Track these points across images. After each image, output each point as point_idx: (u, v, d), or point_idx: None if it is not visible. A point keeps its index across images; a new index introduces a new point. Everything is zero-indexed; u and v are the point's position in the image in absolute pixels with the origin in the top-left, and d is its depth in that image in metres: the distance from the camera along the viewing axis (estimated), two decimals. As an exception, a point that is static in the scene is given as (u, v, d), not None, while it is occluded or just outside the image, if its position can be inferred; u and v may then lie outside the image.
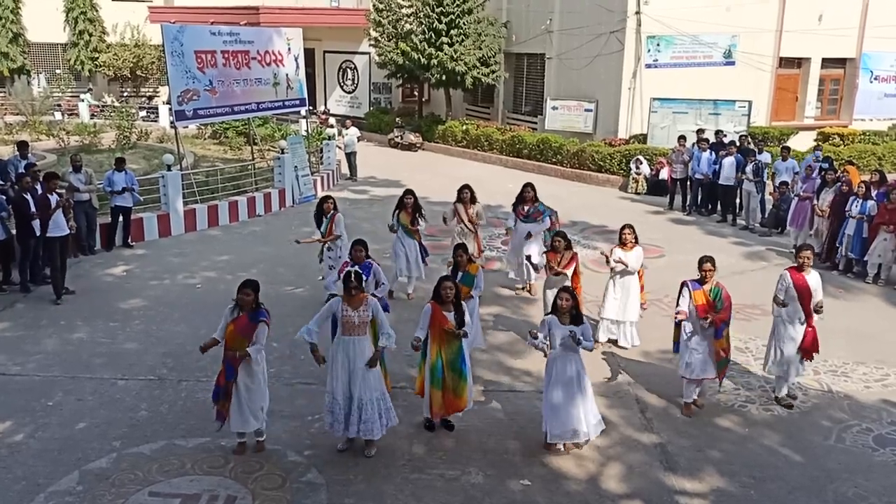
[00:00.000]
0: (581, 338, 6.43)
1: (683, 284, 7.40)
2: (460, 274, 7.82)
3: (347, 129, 20.39)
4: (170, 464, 6.40)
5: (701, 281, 7.31)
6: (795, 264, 7.65)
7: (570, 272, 8.57)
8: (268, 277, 11.21)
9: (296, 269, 11.66)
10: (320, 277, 10.62)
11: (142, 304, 10.35)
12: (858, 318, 10.14)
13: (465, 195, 10.50)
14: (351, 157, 19.93)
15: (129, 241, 13.18)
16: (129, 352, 8.76)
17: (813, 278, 7.53)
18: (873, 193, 11.94)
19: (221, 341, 6.38)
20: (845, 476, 6.40)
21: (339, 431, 6.47)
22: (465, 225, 10.47)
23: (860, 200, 11.74)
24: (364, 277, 6.77)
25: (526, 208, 10.61)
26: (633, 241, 8.81)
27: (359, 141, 20.59)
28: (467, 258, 7.96)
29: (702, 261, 7.37)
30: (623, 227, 8.93)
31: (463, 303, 6.89)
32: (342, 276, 6.55)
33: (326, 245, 10.05)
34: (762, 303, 9.65)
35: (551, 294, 8.48)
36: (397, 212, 10.37)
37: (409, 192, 10.47)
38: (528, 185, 10.77)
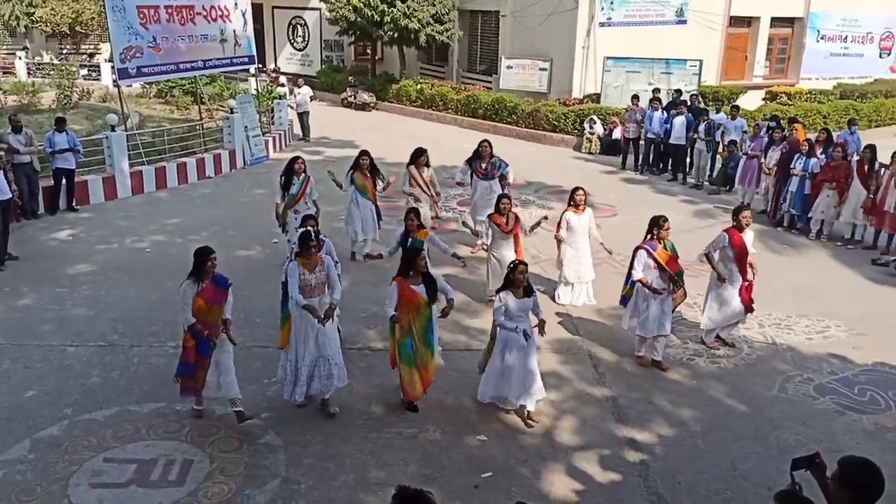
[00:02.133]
0: (538, 310, 6.59)
1: (638, 248, 7.51)
2: (410, 240, 7.73)
3: (299, 87, 19.99)
4: (124, 430, 6.33)
5: (658, 239, 7.46)
6: (734, 224, 7.85)
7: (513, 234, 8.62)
8: (219, 241, 11.03)
9: (248, 231, 11.50)
10: (275, 241, 10.50)
11: (89, 268, 10.11)
12: (801, 273, 10.49)
13: (423, 160, 10.31)
14: (303, 116, 19.56)
15: (74, 204, 12.81)
16: (78, 318, 8.58)
17: (748, 237, 7.84)
18: (817, 152, 12.25)
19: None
20: (787, 424, 6.67)
21: (301, 395, 6.43)
22: (423, 189, 10.32)
23: (804, 158, 12.04)
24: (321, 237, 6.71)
25: (483, 165, 10.55)
26: (584, 203, 8.93)
27: (311, 100, 20.22)
28: (417, 224, 7.85)
29: (660, 220, 7.50)
30: (575, 189, 9.01)
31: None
32: (299, 235, 6.49)
33: (293, 209, 9.70)
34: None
35: (499, 257, 8.59)
36: (351, 172, 10.22)
37: (364, 152, 10.30)
38: (485, 142, 10.72)
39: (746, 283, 7.82)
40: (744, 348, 8.12)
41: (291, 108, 19.92)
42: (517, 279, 6.48)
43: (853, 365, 7.81)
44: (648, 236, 7.55)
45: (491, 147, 10.64)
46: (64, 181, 12.57)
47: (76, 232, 11.73)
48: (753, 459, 6.14)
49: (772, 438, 6.45)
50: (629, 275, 7.63)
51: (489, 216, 8.85)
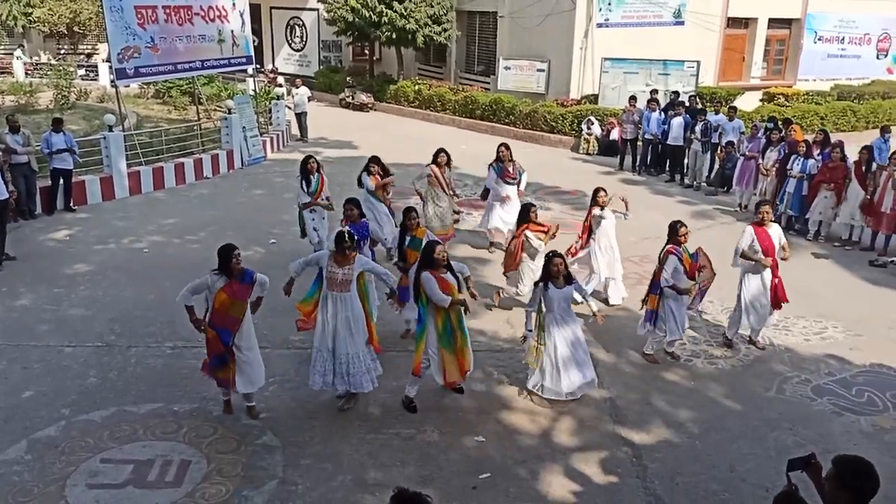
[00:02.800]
0: (582, 295, 6.89)
1: (669, 254, 7.50)
2: (408, 238, 7.72)
3: (297, 88, 19.98)
4: (121, 430, 6.32)
5: (679, 244, 7.53)
6: (756, 220, 7.97)
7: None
8: (217, 241, 10.91)
9: (246, 231, 11.48)
10: (272, 241, 10.47)
11: (87, 269, 10.09)
12: (799, 273, 10.47)
13: (443, 158, 10.28)
14: (301, 117, 19.55)
15: (71, 204, 12.78)
16: (76, 318, 8.56)
17: (774, 231, 7.95)
18: (815, 152, 12.26)
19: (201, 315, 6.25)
20: (785, 425, 6.67)
21: (328, 384, 6.48)
22: (444, 189, 10.26)
23: (801, 159, 12.05)
24: (356, 237, 6.70)
25: (512, 169, 10.55)
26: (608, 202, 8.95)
27: (309, 101, 20.21)
28: (416, 222, 7.81)
29: (676, 226, 7.57)
30: (597, 190, 9.01)
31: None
32: (335, 235, 6.50)
33: (310, 208, 9.73)
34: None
35: (531, 263, 8.58)
36: (364, 174, 9.94)
37: (374, 158, 10.00)
38: (504, 145, 10.71)
39: (776, 280, 7.85)
40: (741, 349, 8.13)
41: (289, 108, 19.90)
42: (555, 272, 6.72)
43: (851, 366, 7.82)
44: (670, 241, 7.57)
45: (510, 150, 10.63)
46: (62, 181, 12.55)
47: (74, 232, 11.70)
48: (751, 460, 6.14)
49: (770, 439, 6.45)
50: (653, 283, 7.62)
51: (526, 228, 8.67)
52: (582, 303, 7.01)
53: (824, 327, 8.77)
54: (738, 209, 13.55)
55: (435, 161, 10.34)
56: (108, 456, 5.97)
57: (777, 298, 7.92)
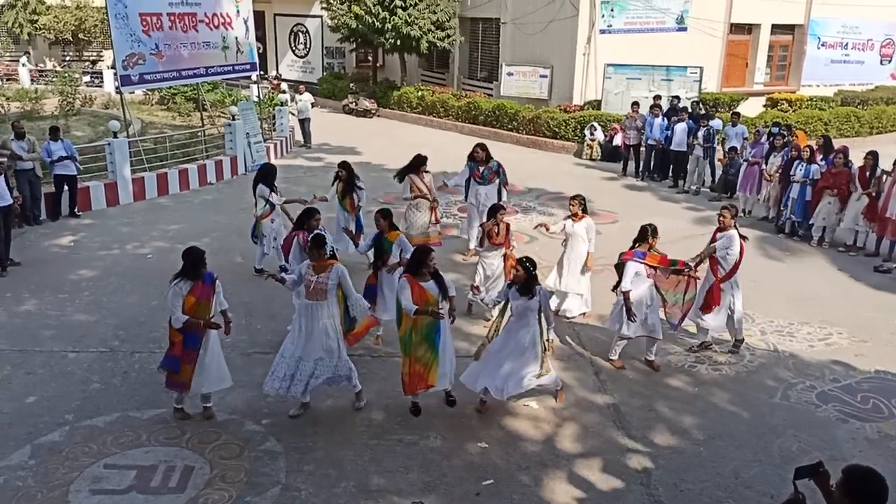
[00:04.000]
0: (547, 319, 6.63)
1: (627, 262, 7.48)
2: (383, 240, 7.74)
3: (301, 94, 20.02)
4: (124, 436, 6.32)
5: (649, 248, 7.53)
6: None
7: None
8: (221, 246, 11.10)
9: (249, 238, 11.48)
10: (276, 247, 10.45)
11: (91, 274, 10.11)
12: (803, 279, 10.47)
13: (423, 167, 10.25)
14: (304, 123, 19.59)
15: (76, 210, 12.82)
16: (80, 324, 8.57)
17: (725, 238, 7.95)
18: (818, 158, 12.24)
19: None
20: (790, 432, 6.64)
21: (284, 390, 6.39)
22: (423, 195, 10.22)
23: (804, 164, 12.03)
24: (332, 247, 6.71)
25: (481, 169, 10.53)
26: (582, 211, 8.69)
27: (312, 107, 20.25)
28: (387, 223, 7.79)
29: (648, 229, 7.54)
30: (571, 198, 8.85)
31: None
32: (312, 236, 6.52)
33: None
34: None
35: (488, 259, 8.55)
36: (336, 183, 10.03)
37: (342, 164, 10.15)
38: (479, 146, 10.66)
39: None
40: (745, 355, 8.10)
41: (293, 115, 19.95)
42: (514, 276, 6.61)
43: (856, 372, 7.78)
44: (637, 245, 7.53)
45: (485, 151, 10.55)
46: (66, 187, 12.59)
47: (78, 238, 11.73)
48: (756, 467, 6.12)
49: (774, 446, 6.43)
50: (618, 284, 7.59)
51: (481, 225, 8.72)
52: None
53: (829, 333, 8.74)
54: (741, 215, 13.53)
55: (415, 169, 10.23)
56: (112, 461, 5.97)
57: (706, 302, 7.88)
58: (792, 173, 12.15)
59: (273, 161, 17.39)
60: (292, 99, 21.00)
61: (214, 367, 6.44)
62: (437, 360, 6.49)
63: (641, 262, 7.41)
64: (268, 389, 6.48)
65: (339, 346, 6.52)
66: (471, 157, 10.62)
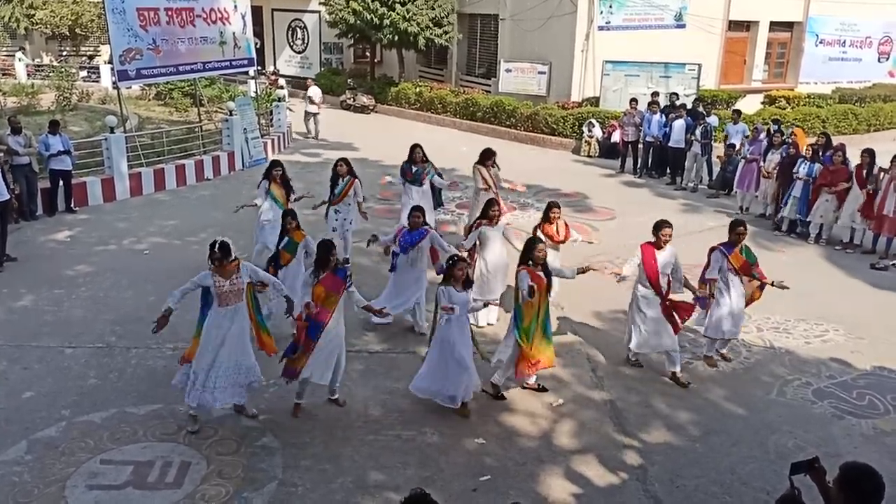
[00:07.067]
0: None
1: (714, 249, 7.56)
2: (285, 240, 7.83)
3: (308, 90, 20.18)
4: (121, 431, 6.32)
5: (734, 244, 7.53)
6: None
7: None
8: (218, 242, 11.02)
9: (247, 234, 11.46)
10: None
11: (87, 270, 10.09)
12: (800, 276, 10.44)
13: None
14: (312, 117, 19.82)
15: (72, 205, 12.80)
16: (76, 319, 8.56)
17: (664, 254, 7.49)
18: (820, 155, 12.24)
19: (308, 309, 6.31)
20: (786, 428, 6.66)
21: (206, 401, 6.15)
22: (490, 186, 10.31)
23: (807, 162, 12.04)
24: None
25: (414, 169, 10.54)
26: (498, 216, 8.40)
27: (311, 103, 20.24)
28: (295, 224, 7.87)
29: (735, 224, 7.57)
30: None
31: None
32: (210, 246, 6.17)
33: (334, 208, 9.95)
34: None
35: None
36: (267, 183, 9.75)
37: (275, 162, 9.99)
38: (417, 146, 10.64)
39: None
40: (742, 352, 8.12)
41: (308, 112, 20.01)
42: (456, 275, 6.49)
43: (852, 369, 7.81)
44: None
45: (423, 151, 10.55)
46: (62, 183, 12.56)
47: (74, 233, 11.71)
48: (752, 463, 6.13)
49: (770, 442, 6.44)
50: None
51: (535, 227, 8.70)
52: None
53: (825, 330, 8.76)
54: (738, 212, 13.55)
55: (482, 161, 10.43)
56: (108, 457, 5.97)
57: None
58: (795, 171, 12.15)
59: (270, 156, 17.40)
60: (309, 100, 20.57)
61: (323, 359, 6.40)
62: (550, 344, 6.88)
63: (726, 258, 7.46)
64: (189, 401, 6.18)
65: (250, 349, 6.37)
66: (409, 157, 10.68)
